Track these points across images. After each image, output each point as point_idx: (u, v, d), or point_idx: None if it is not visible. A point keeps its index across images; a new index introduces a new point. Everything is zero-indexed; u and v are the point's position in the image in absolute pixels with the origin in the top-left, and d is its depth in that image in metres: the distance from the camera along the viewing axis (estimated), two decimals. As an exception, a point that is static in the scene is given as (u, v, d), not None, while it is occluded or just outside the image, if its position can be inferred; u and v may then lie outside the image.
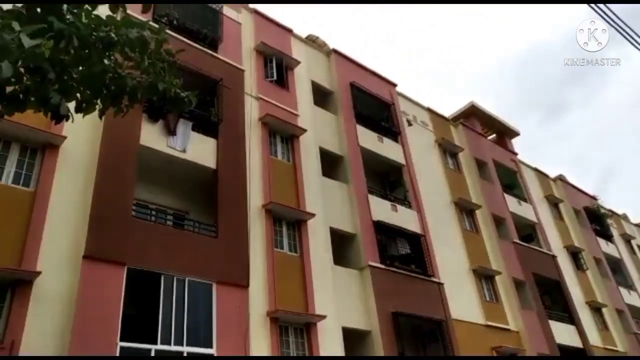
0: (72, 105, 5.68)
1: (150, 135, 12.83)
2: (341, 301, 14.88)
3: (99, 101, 5.87)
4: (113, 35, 5.61)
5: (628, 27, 7.22)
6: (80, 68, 5.66)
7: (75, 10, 5.49)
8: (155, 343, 10.34)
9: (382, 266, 16.56)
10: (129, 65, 6.03)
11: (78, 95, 5.62)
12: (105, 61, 5.76)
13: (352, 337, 14.82)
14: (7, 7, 5.03)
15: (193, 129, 13.88)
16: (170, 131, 13.19)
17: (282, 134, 16.75)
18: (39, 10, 5.13)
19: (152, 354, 10.15)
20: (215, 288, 11.98)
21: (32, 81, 4.98)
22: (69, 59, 5.44)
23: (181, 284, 11.44)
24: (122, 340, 9.88)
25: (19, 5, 5.14)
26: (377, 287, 15.83)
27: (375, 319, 15.25)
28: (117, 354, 9.67)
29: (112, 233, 10.82)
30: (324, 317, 13.66)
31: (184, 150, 13.32)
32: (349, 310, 15.01)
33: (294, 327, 13.43)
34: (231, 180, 13.99)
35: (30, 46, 4.21)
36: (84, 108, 5.69)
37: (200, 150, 13.79)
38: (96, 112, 6.04)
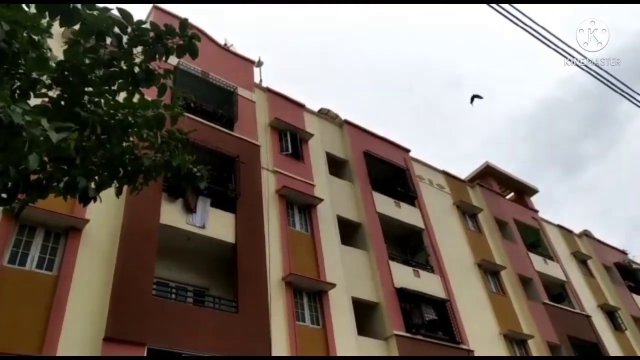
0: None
1: (170, 214, 13.11)
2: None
3: (115, 181, 6.13)
4: (130, 118, 5.94)
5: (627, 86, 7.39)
6: (101, 152, 5.96)
7: (96, 99, 5.88)
8: None
9: (408, 335, 16.06)
10: (144, 146, 6.33)
11: (96, 177, 5.89)
12: (124, 143, 6.07)
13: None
14: (34, 102, 5.41)
15: (212, 205, 14.15)
16: (190, 209, 13.46)
17: (300, 205, 16.94)
18: (62, 103, 5.50)
19: None
20: (238, 365, 11.71)
21: (56, 168, 5.26)
22: (90, 144, 5.76)
23: (202, 363, 11.22)
24: None
25: (45, 100, 5.52)
26: (402, 352, 15.28)
27: (405, 392, 14.62)
28: None
29: (132, 313, 10.82)
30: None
31: (203, 227, 13.52)
32: None
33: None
34: (250, 254, 14.04)
35: (57, 140, 4.51)
36: (101, 189, 5.94)
37: (219, 225, 13.98)
38: (114, 191, 6.27)
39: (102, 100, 5.84)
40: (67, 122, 5.02)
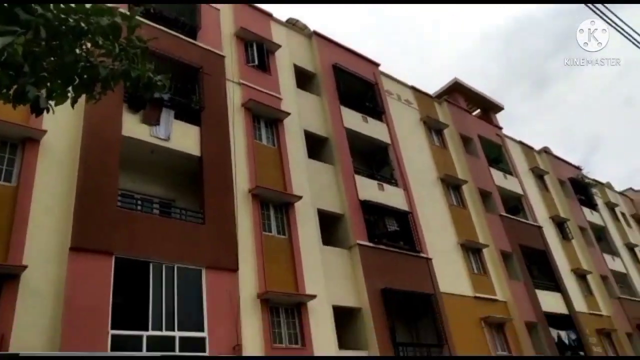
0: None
1: (133, 126, 12.84)
2: (331, 280, 15.13)
3: (70, 90, 5.89)
4: (83, 24, 5.61)
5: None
6: (52, 58, 5.67)
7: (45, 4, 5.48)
8: (146, 329, 10.51)
9: (371, 244, 16.80)
10: (100, 54, 6.05)
11: (48, 84, 5.64)
12: (77, 50, 5.77)
13: (343, 315, 15.10)
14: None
15: (176, 118, 13.90)
16: (153, 120, 13.19)
17: (266, 119, 16.79)
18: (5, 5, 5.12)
19: (144, 340, 10.32)
20: (205, 273, 12.14)
21: (2, 74, 5.00)
22: (40, 50, 5.46)
23: (170, 271, 11.58)
24: (113, 328, 10.03)
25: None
26: (366, 265, 16.08)
27: (365, 296, 15.53)
28: (109, 343, 9.83)
29: (97, 223, 10.90)
30: (314, 296, 13.91)
31: (167, 139, 13.35)
32: (338, 288, 15.26)
33: (285, 307, 13.66)
34: (216, 167, 14.07)
35: (3, 45, 4.24)
36: (54, 97, 5.71)
37: (183, 138, 13.83)
38: (68, 102, 6.05)
39: (52, 5, 5.46)
40: (11, 26, 4.73)
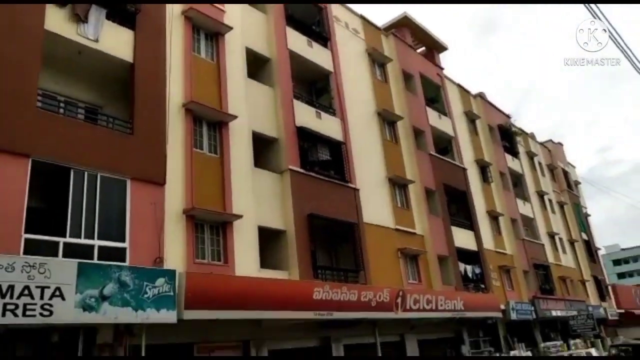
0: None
1: (57, 21, 11.83)
2: (259, 202, 15.34)
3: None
4: None
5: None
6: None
7: None
8: (64, 236, 10.32)
9: (302, 171, 17.04)
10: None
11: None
12: None
13: (268, 236, 15.51)
14: None
15: (108, 18, 12.92)
16: (81, 18, 12.20)
17: (207, 31, 15.99)
18: None
19: (61, 246, 10.16)
20: (130, 185, 11.91)
21: None
22: None
23: (93, 179, 11.25)
24: (27, 232, 9.77)
25: None
26: (296, 190, 16.39)
27: (291, 219, 15.96)
28: (22, 247, 9.60)
29: (12, 123, 10.23)
30: (240, 216, 14.12)
31: (96, 40, 12.46)
32: (266, 210, 15.55)
33: (210, 225, 13.80)
34: (149, 76, 13.42)
35: None
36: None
37: (115, 41, 12.96)
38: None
39: None
40: None
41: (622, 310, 40.38)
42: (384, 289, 17.03)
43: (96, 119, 12.58)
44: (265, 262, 14.98)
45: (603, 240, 45.53)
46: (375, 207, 19.96)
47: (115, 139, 12.15)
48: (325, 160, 18.62)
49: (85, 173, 11.18)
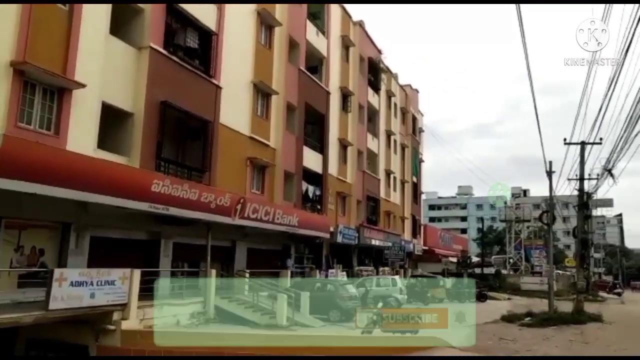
0: None
1: None
2: (109, 75, 13.52)
3: None
4: None
5: None
6: None
7: None
8: None
9: (164, 52, 15.38)
10: None
11: None
12: None
13: (112, 115, 13.92)
14: None
15: None
16: None
17: None
18: None
19: None
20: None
21: None
22: None
23: None
24: None
25: None
26: (153, 72, 14.79)
27: (142, 103, 14.50)
28: None
29: None
30: (83, 85, 12.29)
31: None
32: (115, 86, 13.82)
33: (44, 87, 11.80)
34: None
35: None
36: None
37: None
38: None
39: None
40: None
41: (427, 248, 46.22)
42: (226, 194, 16.69)
43: None
44: (104, 144, 13.49)
45: (426, 186, 50.83)
46: (235, 110, 19.12)
47: None
48: (192, 47, 17.01)
49: None
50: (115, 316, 12.26)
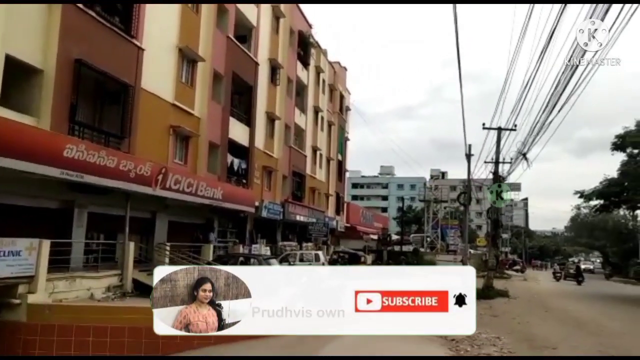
0: None
1: None
2: (14, 25, 12.16)
3: None
4: None
5: None
6: None
7: None
8: None
9: (80, 5, 14.10)
10: None
11: None
12: None
13: (18, 71, 12.61)
14: None
15: None
16: None
17: None
18: None
19: None
20: None
21: None
22: None
23: None
24: None
25: None
26: (66, 26, 13.50)
27: (54, 60, 13.24)
28: None
29: None
30: (-18, 34, 10.99)
31: None
32: (22, 38, 12.49)
33: None
34: None
35: None
36: None
37: None
38: None
39: None
40: None
41: (349, 225, 47.07)
42: (146, 162, 15.82)
43: None
44: (7, 101, 12.19)
45: (350, 164, 51.54)
46: (158, 75, 18.05)
47: None
48: (112, 3, 15.76)
49: None
50: (21, 289, 11.38)
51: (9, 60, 12.10)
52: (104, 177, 13.83)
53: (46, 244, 11.83)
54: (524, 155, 21.45)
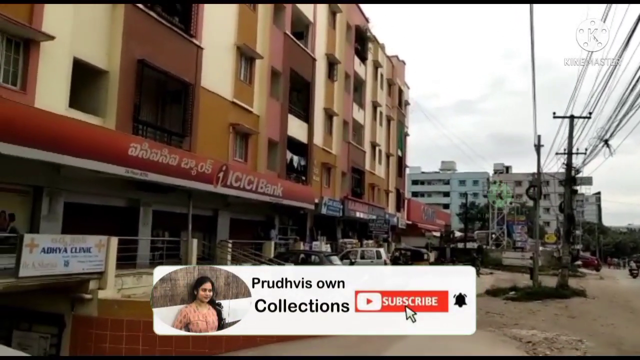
0: None
1: None
2: (81, 29, 12.54)
3: None
4: None
5: None
6: None
7: None
8: None
9: (141, 6, 14.37)
10: None
11: None
12: None
13: (86, 73, 13.02)
14: None
15: None
16: None
17: None
18: None
19: None
20: None
21: None
22: None
23: None
24: None
25: None
26: (129, 28, 13.82)
27: (118, 61, 13.58)
28: None
29: None
30: (51, 37, 11.34)
31: None
32: (88, 41, 12.88)
33: (8, 37, 10.86)
34: None
35: None
36: None
37: None
38: None
39: None
40: None
41: (410, 222, 46.12)
42: (207, 160, 15.92)
43: None
44: (77, 103, 12.61)
45: (410, 160, 50.54)
46: (217, 73, 18.21)
47: None
48: (171, 3, 16.00)
49: None
50: (92, 285, 11.62)
51: (77, 64, 12.49)
52: (167, 175, 14.02)
53: (114, 241, 12.07)
54: (606, 142, 19.60)
